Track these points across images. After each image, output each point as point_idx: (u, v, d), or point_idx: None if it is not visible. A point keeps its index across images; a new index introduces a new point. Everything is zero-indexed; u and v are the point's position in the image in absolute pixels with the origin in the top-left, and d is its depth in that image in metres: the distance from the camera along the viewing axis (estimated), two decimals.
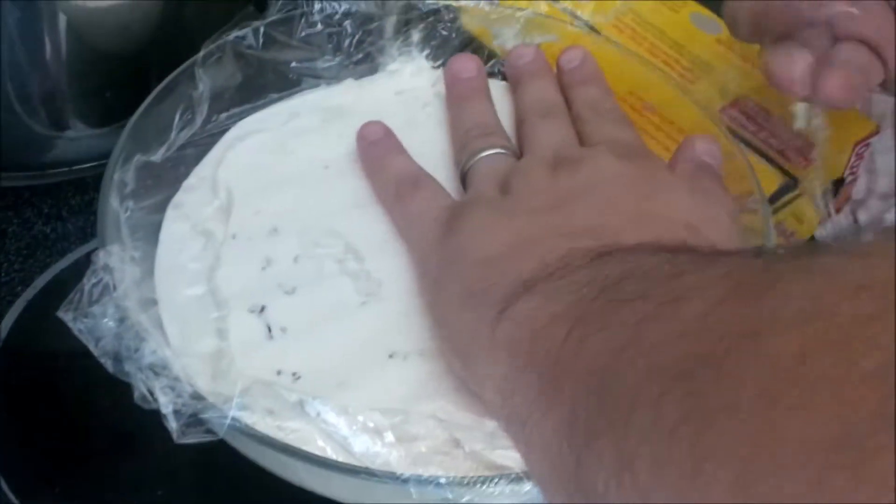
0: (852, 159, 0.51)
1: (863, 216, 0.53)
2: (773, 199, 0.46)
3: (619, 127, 0.40)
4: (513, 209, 0.34)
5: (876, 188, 0.53)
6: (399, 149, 0.41)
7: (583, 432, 0.24)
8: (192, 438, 0.32)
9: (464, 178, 0.39)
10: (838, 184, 0.51)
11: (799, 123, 0.47)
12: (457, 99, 0.43)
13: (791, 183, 0.48)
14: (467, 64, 0.43)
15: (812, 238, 0.53)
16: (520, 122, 0.41)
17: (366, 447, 0.32)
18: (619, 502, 0.22)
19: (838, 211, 0.54)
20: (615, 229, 0.32)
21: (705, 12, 0.56)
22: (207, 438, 0.32)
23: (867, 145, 0.51)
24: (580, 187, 0.35)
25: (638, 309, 0.25)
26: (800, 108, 0.48)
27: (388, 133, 0.41)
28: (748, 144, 0.48)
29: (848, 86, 0.40)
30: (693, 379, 0.21)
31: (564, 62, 0.44)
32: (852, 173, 0.52)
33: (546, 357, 0.27)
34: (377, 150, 0.41)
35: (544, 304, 0.29)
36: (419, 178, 0.39)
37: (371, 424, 0.32)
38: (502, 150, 0.39)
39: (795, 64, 0.40)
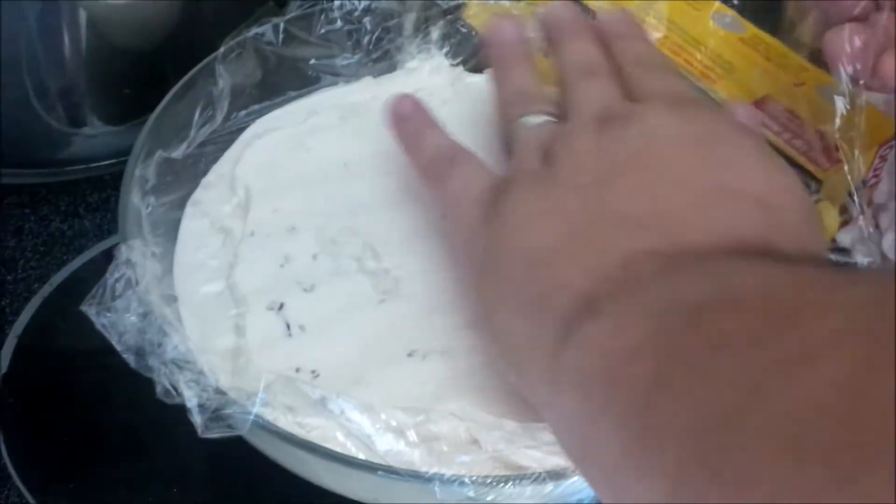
0: (875, 161, 0.50)
1: (884, 220, 0.52)
2: None
3: (672, 79, 0.36)
4: (559, 184, 0.30)
5: None
6: (431, 123, 0.37)
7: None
8: (215, 433, 0.32)
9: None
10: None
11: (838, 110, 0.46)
12: (497, 66, 0.39)
13: (814, 186, 0.48)
14: (506, 28, 0.39)
15: (833, 242, 0.52)
16: (561, 85, 0.37)
17: (389, 445, 0.31)
18: None
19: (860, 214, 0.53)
20: (678, 217, 0.28)
21: (728, 11, 0.55)
22: (231, 433, 0.32)
23: (891, 147, 0.51)
24: (631, 151, 0.30)
25: (751, 361, 0.21)
26: (839, 103, 0.47)
27: (420, 107, 0.38)
28: (772, 145, 0.48)
29: None
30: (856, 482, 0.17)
31: (604, 20, 0.39)
32: (875, 176, 0.51)
33: (632, 408, 0.23)
34: (409, 125, 0.38)
35: (617, 331, 0.25)
36: (456, 154, 0.35)
37: (394, 423, 0.32)
38: (544, 116, 0.35)
39: (850, 40, 0.38)
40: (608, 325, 0.25)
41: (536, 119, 0.35)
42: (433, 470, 0.30)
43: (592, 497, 0.32)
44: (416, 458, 0.31)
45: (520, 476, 0.30)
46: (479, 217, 0.32)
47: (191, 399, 0.31)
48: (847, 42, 0.39)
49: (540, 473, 0.30)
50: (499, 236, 0.31)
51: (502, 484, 0.30)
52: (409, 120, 0.38)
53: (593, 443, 0.25)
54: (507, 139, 0.36)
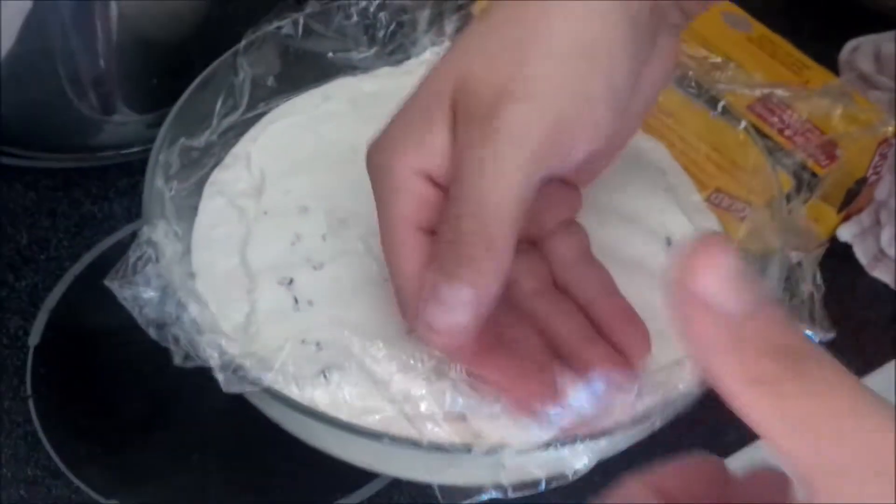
0: (875, 159, 0.52)
1: (885, 217, 0.54)
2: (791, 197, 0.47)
3: None
4: None
5: None
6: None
7: None
8: (237, 389, 0.33)
9: None
10: (860, 183, 0.52)
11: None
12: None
13: (813, 182, 0.49)
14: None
15: (833, 238, 0.53)
16: None
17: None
18: None
19: (861, 211, 0.54)
20: None
21: (736, 10, 0.57)
22: (252, 389, 0.34)
23: (891, 145, 0.52)
24: None
25: None
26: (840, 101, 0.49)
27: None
28: (773, 142, 0.49)
29: None
30: None
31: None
32: (875, 173, 0.53)
33: None
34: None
35: None
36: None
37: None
38: None
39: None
40: None
41: None
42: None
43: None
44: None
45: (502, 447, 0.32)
46: None
47: (214, 358, 0.33)
48: None
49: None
50: None
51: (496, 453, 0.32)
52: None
53: None
54: None
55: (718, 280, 0.21)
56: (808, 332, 0.36)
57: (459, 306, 0.31)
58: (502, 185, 0.31)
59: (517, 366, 0.34)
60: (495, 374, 0.34)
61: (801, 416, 0.20)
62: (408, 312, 0.34)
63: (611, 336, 0.36)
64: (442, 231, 0.32)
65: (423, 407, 0.34)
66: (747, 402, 0.20)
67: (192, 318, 0.35)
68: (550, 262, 0.38)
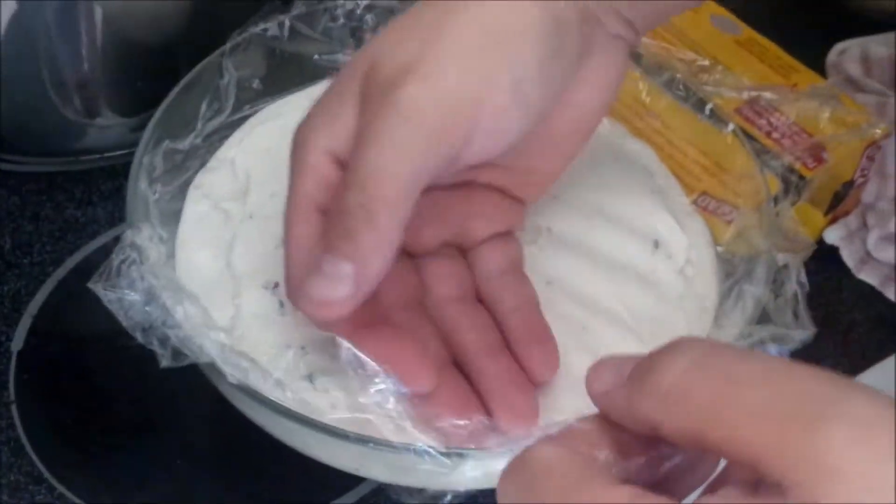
0: (863, 162, 0.52)
1: (872, 220, 0.54)
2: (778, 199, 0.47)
3: None
4: None
5: (886, 192, 0.54)
6: None
7: None
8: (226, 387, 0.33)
9: None
10: (848, 186, 0.52)
11: None
12: None
13: (800, 184, 0.49)
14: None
15: (820, 240, 0.53)
16: None
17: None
18: None
19: (848, 214, 0.54)
20: None
21: (724, 12, 0.57)
22: (238, 390, 0.34)
23: (879, 148, 0.52)
24: None
25: None
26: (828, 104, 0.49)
27: None
28: (760, 144, 0.49)
29: None
30: None
31: None
32: (863, 176, 0.53)
33: None
34: None
35: None
36: None
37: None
38: None
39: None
40: None
41: None
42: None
43: None
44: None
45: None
46: None
47: (208, 354, 0.33)
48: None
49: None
50: None
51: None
52: None
53: None
54: None
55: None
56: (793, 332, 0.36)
57: (338, 279, 0.31)
58: (391, 159, 0.31)
59: (399, 343, 0.34)
60: (374, 348, 0.33)
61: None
62: (288, 286, 0.33)
63: (518, 352, 0.36)
64: (332, 204, 0.33)
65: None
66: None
67: (184, 315, 0.34)
68: (475, 273, 0.38)
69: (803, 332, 0.36)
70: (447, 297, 0.37)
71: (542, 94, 0.34)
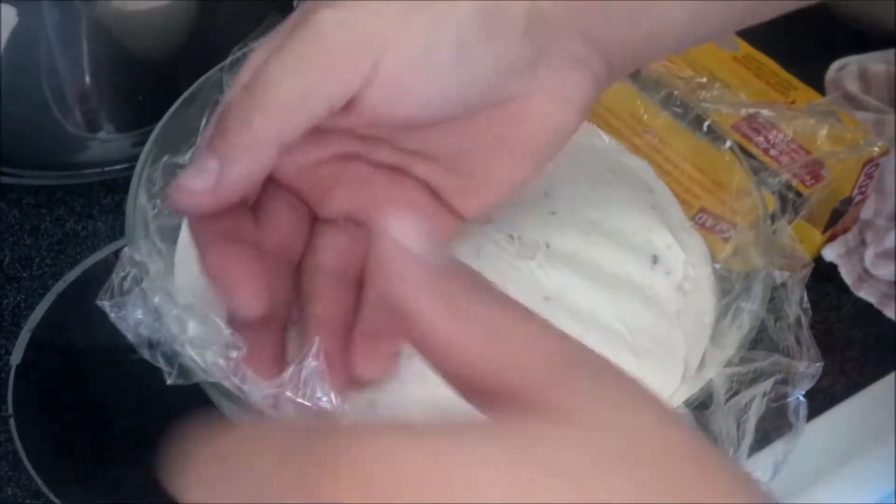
0: (861, 179, 0.52)
1: (870, 236, 0.54)
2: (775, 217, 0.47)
3: None
4: None
5: (884, 209, 0.54)
6: None
7: None
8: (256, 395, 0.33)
9: None
10: (846, 203, 0.52)
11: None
12: None
13: (798, 201, 0.49)
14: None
15: (818, 258, 0.54)
16: None
17: None
18: None
19: (846, 231, 0.54)
20: None
21: None
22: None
23: (877, 165, 0.52)
24: None
25: None
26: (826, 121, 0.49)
27: None
28: (758, 161, 0.49)
29: None
30: None
31: None
32: (861, 193, 0.53)
33: None
34: None
35: None
36: None
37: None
38: None
39: None
40: None
41: None
42: None
43: None
44: None
45: None
46: None
47: (224, 370, 0.33)
48: None
49: None
50: None
51: None
52: None
53: None
54: None
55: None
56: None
57: (202, 171, 0.32)
58: (282, 70, 0.32)
59: (237, 258, 0.33)
60: (212, 258, 0.33)
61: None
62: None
63: (355, 339, 0.35)
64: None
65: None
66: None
67: (194, 327, 0.34)
68: (369, 257, 0.37)
69: (812, 366, 0.35)
70: (323, 267, 0.36)
71: (459, 73, 0.33)
